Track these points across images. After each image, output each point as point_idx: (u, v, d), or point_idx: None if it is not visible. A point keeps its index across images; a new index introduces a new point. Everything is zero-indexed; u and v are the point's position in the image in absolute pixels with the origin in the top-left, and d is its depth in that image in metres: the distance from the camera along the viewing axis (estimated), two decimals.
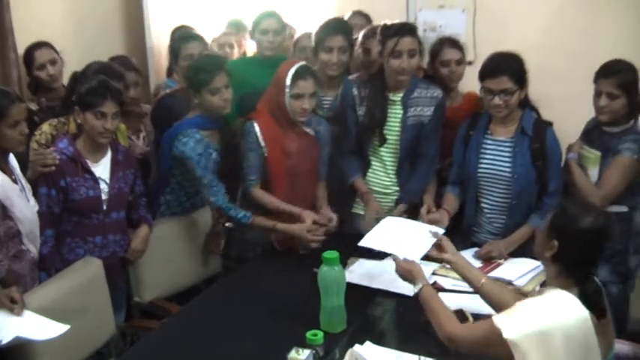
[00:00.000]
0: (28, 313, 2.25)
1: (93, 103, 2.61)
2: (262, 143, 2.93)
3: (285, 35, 3.60)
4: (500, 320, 1.77)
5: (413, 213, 2.94)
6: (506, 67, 2.71)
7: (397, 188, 3.10)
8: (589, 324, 1.77)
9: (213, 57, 3.18)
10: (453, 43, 3.27)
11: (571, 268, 1.86)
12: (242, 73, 3.26)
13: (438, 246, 2.33)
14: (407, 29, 2.93)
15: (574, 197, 2.80)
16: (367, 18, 3.75)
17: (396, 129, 3.02)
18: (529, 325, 1.73)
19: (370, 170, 3.11)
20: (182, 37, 3.51)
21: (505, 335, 1.72)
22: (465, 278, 2.24)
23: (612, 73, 2.79)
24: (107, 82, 2.68)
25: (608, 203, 2.80)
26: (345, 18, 3.81)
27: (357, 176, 3.10)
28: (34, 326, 2.22)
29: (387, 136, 3.02)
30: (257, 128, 2.93)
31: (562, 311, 1.77)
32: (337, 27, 3.19)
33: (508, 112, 2.77)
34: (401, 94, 3.01)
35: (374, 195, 3.09)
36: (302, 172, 2.99)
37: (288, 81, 2.83)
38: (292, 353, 1.98)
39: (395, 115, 3.02)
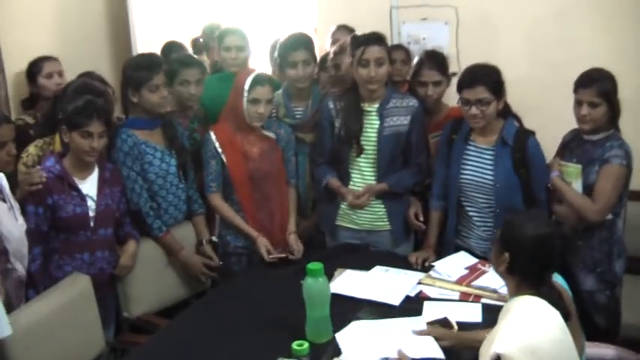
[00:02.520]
0: None
1: (80, 123, 2.63)
2: (219, 150, 3.01)
3: (249, 51, 3.62)
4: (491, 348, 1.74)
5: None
6: (483, 77, 2.74)
7: (378, 200, 3.09)
8: (563, 323, 1.81)
9: (153, 55, 3.24)
10: (434, 62, 3.18)
11: (527, 277, 1.90)
12: (215, 89, 3.30)
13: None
14: (374, 38, 2.96)
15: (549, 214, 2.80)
16: (352, 32, 3.76)
17: (373, 139, 3.03)
18: (518, 338, 1.74)
19: (350, 182, 3.10)
20: (183, 61, 3.28)
21: (497, 350, 1.71)
22: (473, 346, 2.09)
23: (591, 82, 2.78)
24: (94, 102, 2.71)
25: (606, 216, 2.79)
26: (330, 32, 3.88)
27: (328, 177, 3.11)
28: None
29: (365, 147, 3.04)
30: (214, 137, 3.02)
31: (540, 318, 1.80)
32: (298, 42, 3.20)
33: (485, 123, 2.78)
34: (376, 105, 3.03)
35: (355, 210, 3.10)
36: (266, 175, 3.06)
37: (246, 86, 2.93)
38: None
39: (371, 125, 3.03)
